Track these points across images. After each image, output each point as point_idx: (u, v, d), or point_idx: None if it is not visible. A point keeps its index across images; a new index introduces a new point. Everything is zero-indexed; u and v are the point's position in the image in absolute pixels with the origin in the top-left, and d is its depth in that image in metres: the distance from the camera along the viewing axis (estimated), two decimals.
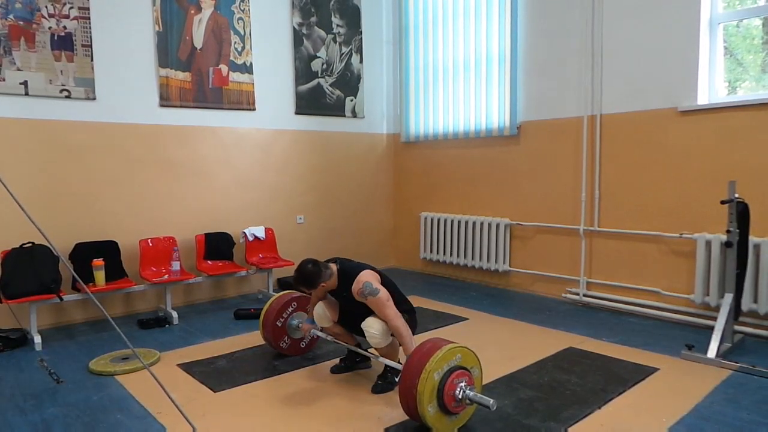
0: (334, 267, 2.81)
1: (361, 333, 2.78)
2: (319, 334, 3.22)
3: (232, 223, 5.02)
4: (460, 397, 2.30)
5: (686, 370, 3.06)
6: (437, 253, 5.74)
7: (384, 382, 2.83)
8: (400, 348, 2.74)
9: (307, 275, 2.71)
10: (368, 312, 2.73)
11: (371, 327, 2.69)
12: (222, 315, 4.42)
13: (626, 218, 4.29)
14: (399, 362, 2.69)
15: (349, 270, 2.80)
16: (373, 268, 2.84)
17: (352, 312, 2.89)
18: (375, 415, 2.56)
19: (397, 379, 2.82)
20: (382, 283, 2.75)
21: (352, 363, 3.12)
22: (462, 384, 2.32)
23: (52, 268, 3.76)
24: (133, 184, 4.47)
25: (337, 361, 3.19)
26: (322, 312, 2.97)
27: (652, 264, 4.15)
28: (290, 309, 3.33)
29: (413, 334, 2.85)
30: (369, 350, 2.95)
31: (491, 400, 2.25)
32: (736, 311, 3.35)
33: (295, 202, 5.48)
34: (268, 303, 3.36)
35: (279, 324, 3.28)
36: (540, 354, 3.33)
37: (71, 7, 4.08)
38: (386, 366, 2.86)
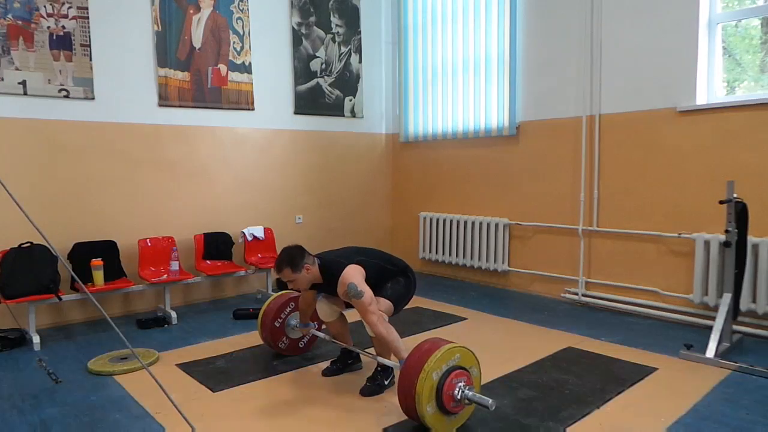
0: (316, 260, 2.81)
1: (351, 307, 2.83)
2: (318, 334, 3.23)
3: (231, 223, 5.01)
4: (458, 397, 2.30)
5: (685, 369, 3.06)
6: (436, 252, 5.73)
7: (373, 384, 2.82)
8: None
9: (291, 254, 2.72)
10: None
11: (382, 362, 2.75)
12: (221, 315, 4.41)
13: (625, 218, 4.29)
14: (398, 363, 2.69)
15: (330, 264, 2.77)
16: (354, 253, 2.84)
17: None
18: (374, 415, 2.56)
19: (386, 382, 2.83)
20: (365, 264, 2.75)
21: (344, 365, 3.11)
22: (461, 384, 2.32)
23: (51, 268, 3.75)
24: (132, 183, 4.46)
25: (327, 363, 3.18)
26: (327, 308, 2.97)
27: (651, 264, 4.15)
28: (288, 309, 3.33)
29: (413, 295, 2.92)
30: (366, 350, 2.96)
31: (490, 400, 2.25)
32: (734, 311, 3.35)
33: (294, 202, 5.48)
34: (265, 304, 3.35)
35: (277, 325, 3.28)
36: (539, 354, 3.33)
37: (70, 7, 4.07)
38: (376, 367, 2.86)
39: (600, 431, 2.38)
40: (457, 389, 2.30)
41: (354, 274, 2.68)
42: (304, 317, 3.20)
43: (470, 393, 2.31)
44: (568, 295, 4.65)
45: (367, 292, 2.64)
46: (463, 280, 5.58)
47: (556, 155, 4.72)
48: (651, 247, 4.15)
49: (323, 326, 3.43)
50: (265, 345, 3.50)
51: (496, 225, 5.14)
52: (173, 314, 4.21)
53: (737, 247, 3.25)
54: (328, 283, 2.80)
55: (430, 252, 5.81)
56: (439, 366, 2.28)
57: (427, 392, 2.24)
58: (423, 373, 2.24)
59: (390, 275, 2.86)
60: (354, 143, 5.95)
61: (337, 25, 5.70)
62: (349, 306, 2.99)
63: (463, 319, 4.18)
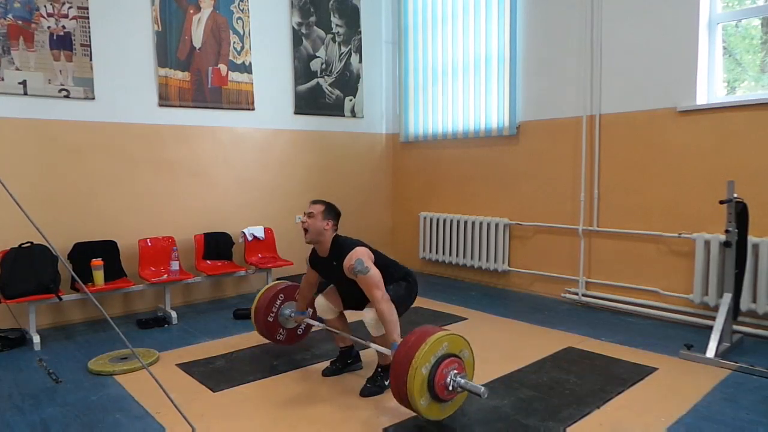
0: (335, 233, 2.87)
1: (358, 308, 2.85)
2: (312, 322, 3.20)
3: (231, 223, 5.01)
4: (451, 387, 2.30)
5: (685, 369, 3.06)
6: (436, 252, 5.73)
7: (373, 386, 2.81)
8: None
9: (333, 205, 2.90)
10: (361, 291, 2.73)
11: (366, 315, 2.72)
12: (221, 315, 4.41)
13: (625, 218, 4.29)
14: (393, 347, 2.65)
15: (342, 242, 2.82)
16: (367, 246, 2.83)
17: (347, 293, 2.92)
18: (374, 415, 2.56)
19: (387, 383, 2.81)
20: (375, 260, 2.75)
21: (344, 365, 3.11)
22: (452, 372, 2.30)
23: (51, 268, 3.76)
24: (132, 183, 4.47)
25: (327, 363, 3.18)
26: (325, 304, 2.98)
27: (651, 264, 4.15)
28: (278, 302, 3.28)
29: (414, 299, 2.91)
30: (364, 339, 2.95)
31: (482, 388, 2.25)
32: (734, 311, 3.35)
33: (294, 202, 5.48)
34: (255, 301, 3.30)
35: (270, 319, 3.24)
36: (539, 354, 3.33)
37: (70, 7, 4.07)
38: (377, 368, 2.86)
39: (600, 431, 2.39)
40: (449, 378, 2.29)
41: (362, 253, 2.71)
42: (303, 300, 3.19)
43: (462, 381, 2.30)
44: (568, 295, 4.65)
45: (374, 269, 2.65)
46: (464, 280, 5.58)
47: (556, 155, 4.71)
48: (651, 247, 4.15)
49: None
50: (265, 345, 3.50)
51: (496, 225, 5.14)
52: (173, 314, 4.21)
53: (737, 247, 3.25)
54: (332, 258, 2.80)
55: (430, 252, 5.81)
56: (428, 359, 2.25)
57: (418, 387, 2.22)
58: (411, 370, 2.22)
59: (391, 280, 2.85)
60: (354, 143, 5.94)
61: (337, 25, 5.70)
62: (348, 306, 3.01)
63: (463, 319, 4.18)
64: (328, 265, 2.87)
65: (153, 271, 4.36)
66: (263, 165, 5.24)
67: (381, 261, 2.82)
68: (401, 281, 2.88)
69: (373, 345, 2.75)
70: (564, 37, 4.57)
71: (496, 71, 5.05)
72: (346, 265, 2.69)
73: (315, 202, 2.88)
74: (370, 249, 2.83)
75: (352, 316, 3.22)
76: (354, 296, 2.87)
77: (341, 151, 5.83)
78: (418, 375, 2.22)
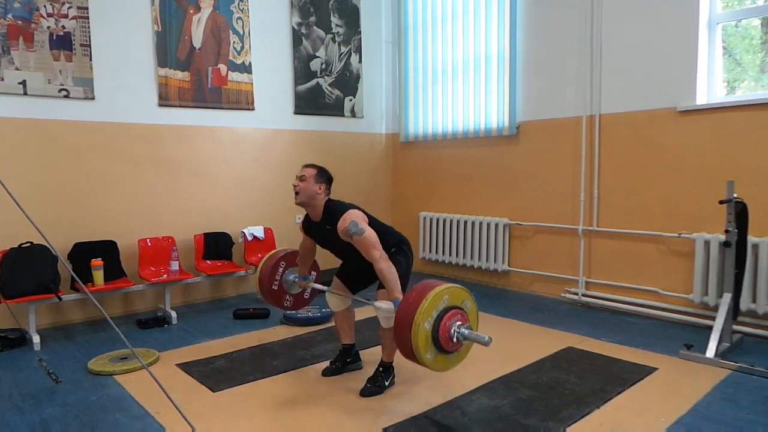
0: (327, 198, 2.85)
1: (360, 287, 2.91)
2: (317, 286, 3.16)
3: (231, 223, 5.01)
4: (455, 339, 2.30)
5: (685, 369, 3.06)
6: (436, 252, 5.73)
7: (373, 386, 2.80)
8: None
9: (326, 170, 2.91)
10: (360, 258, 2.68)
11: (380, 306, 2.66)
12: (221, 315, 4.41)
13: (625, 218, 4.29)
14: (394, 303, 2.56)
15: (335, 206, 2.79)
16: (361, 209, 2.80)
17: (346, 261, 2.94)
18: (374, 415, 2.55)
19: (387, 383, 2.81)
20: (369, 224, 2.72)
21: (343, 364, 3.10)
22: (456, 324, 2.30)
23: (51, 268, 3.75)
24: (132, 183, 4.46)
25: (327, 363, 3.17)
26: (337, 299, 2.99)
27: (651, 264, 4.15)
28: (280, 269, 3.23)
29: (412, 264, 2.89)
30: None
31: (486, 337, 2.25)
32: (734, 311, 3.35)
33: (294, 202, 5.46)
34: (258, 270, 3.22)
35: (275, 287, 3.19)
36: (539, 354, 3.33)
37: (70, 7, 4.07)
38: (377, 368, 2.85)
39: (600, 431, 2.39)
40: (453, 330, 2.29)
41: (356, 215, 2.68)
42: (304, 266, 3.15)
43: (466, 332, 2.30)
44: (568, 295, 4.65)
45: (369, 230, 2.62)
46: (463, 280, 5.58)
47: (556, 155, 4.71)
48: (651, 247, 4.15)
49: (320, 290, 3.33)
50: (264, 344, 3.50)
51: (496, 225, 5.14)
52: (173, 314, 4.21)
53: (737, 247, 3.25)
54: (325, 222, 2.78)
55: (430, 252, 5.81)
56: (429, 314, 2.24)
57: (423, 342, 2.22)
58: (414, 327, 2.21)
59: (386, 247, 2.76)
60: (354, 143, 5.94)
61: (337, 25, 5.70)
62: (356, 287, 3.01)
63: None
64: (322, 230, 2.84)
65: (153, 271, 4.36)
66: (263, 165, 5.24)
67: (376, 226, 2.77)
68: (398, 256, 2.80)
69: (376, 303, 2.64)
70: (564, 37, 4.57)
71: (496, 71, 5.05)
72: (340, 228, 2.65)
73: (307, 165, 2.86)
74: (365, 213, 2.80)
75: (358, 314, 3.22)
76: (355, 264, 2.82)
77: (341, 151, 5.83)
78: (421, 331, 2.21)
